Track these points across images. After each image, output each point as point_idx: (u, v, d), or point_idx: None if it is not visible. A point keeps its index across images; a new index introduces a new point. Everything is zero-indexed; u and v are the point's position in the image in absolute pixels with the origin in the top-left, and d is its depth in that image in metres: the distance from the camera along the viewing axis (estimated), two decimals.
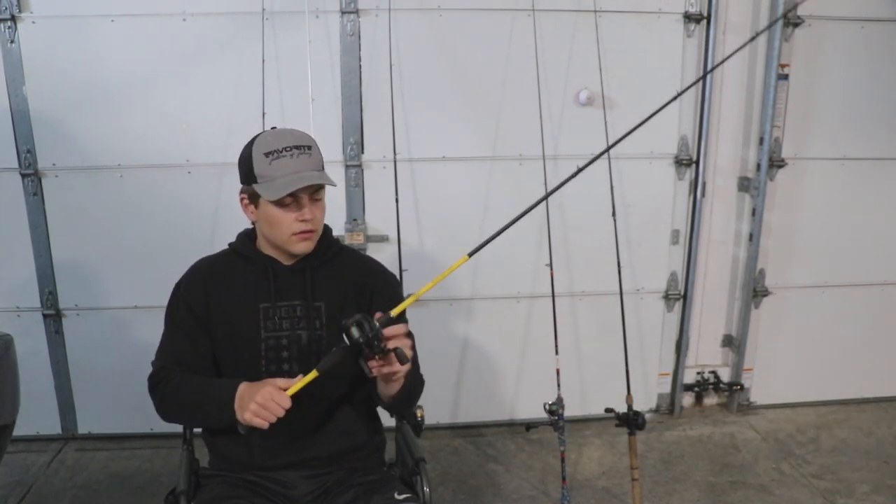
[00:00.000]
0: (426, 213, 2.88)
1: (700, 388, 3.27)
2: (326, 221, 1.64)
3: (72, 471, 2.77)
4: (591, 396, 3.05)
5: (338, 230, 2.82)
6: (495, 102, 2.83)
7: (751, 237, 3.07)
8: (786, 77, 2.92)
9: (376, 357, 1.37)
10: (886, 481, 2.72)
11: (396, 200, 2.61)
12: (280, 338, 1.59)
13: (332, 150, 2.76)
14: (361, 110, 2.78)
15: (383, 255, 2.71)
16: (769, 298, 3.16)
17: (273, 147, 1.51)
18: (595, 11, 2.74)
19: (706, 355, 3.29)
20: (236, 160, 1.57)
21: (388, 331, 1.36)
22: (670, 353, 3.19)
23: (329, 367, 1.39)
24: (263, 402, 1.39)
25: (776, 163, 2.99)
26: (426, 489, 1.61)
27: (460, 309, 2.99)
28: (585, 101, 2.82)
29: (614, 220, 2.58)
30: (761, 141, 2.98)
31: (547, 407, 2.40)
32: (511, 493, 2.65)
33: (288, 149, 1.50)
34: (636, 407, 2.46)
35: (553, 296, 2.55)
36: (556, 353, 2.50)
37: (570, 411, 2.47)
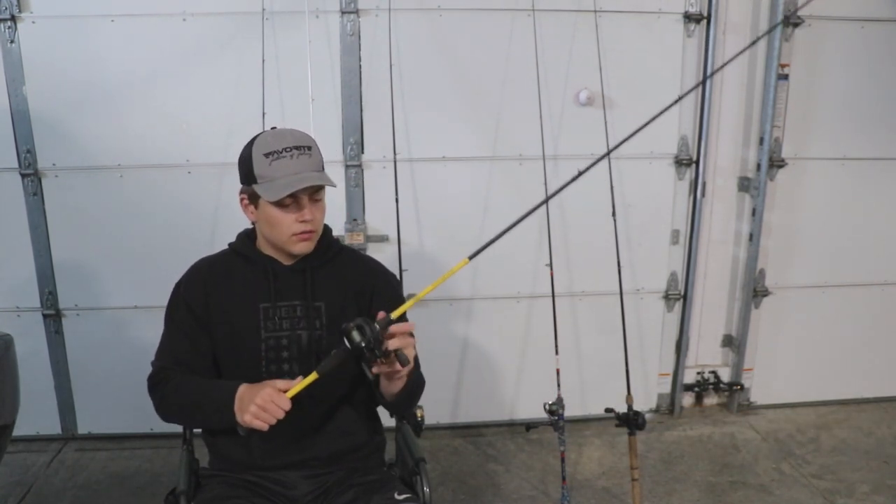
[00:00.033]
0: (426, 213, 2.88)
1: (700, 388, 3.27)
2: (326, 221, 1.64)
3: (72, 471, 2.77)
4: (591, 396, 3.05)
5: (338, 230, 2.82)
6: (495, 102, 2.83)
7: (751, 237, 3.07)
8: (786, 77, 2.92)
9: (379, 360, 1.37)
10: (886, 481, 2.72)
11: (396, 200, 2.61)
12: (280, 338, 1.59)
13: (332, 150, 2.76)
14: (361, 110, 2.78)
15: (383, 255, 2.71)
16: (769, 298, 3.16)
17: (273, 148, 1.51)
18: (595, 11, 2.74)
19: (706, 355, 3.29)
20: (236, 160, 1.57)
21: (393, 327, 1.36)
22: (670, 353, 3.19)
23: (329, 370, 1.39)
24: (263, 404, 1.39)
25: (776, 163, 2.99)
26: (426, 489, 1.61)
27: (460, 309, 2.99)
28: (585, 101, 2.82)
29: (614, 220, 2.58)
30: (761, 141, 2.98)
31: (547, 407, 2.40)
32: (511, 493, 2.65)
33: (288, 149, 1.50)
34: (636, 407, 2.46)
35: (553, 296, 2.55)
36: (556, 353, 2.50)
37: (570, 411, 2.47)
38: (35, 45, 2.61)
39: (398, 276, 2.33)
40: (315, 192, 1.55)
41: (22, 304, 2.86)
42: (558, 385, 2.47)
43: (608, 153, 1.78)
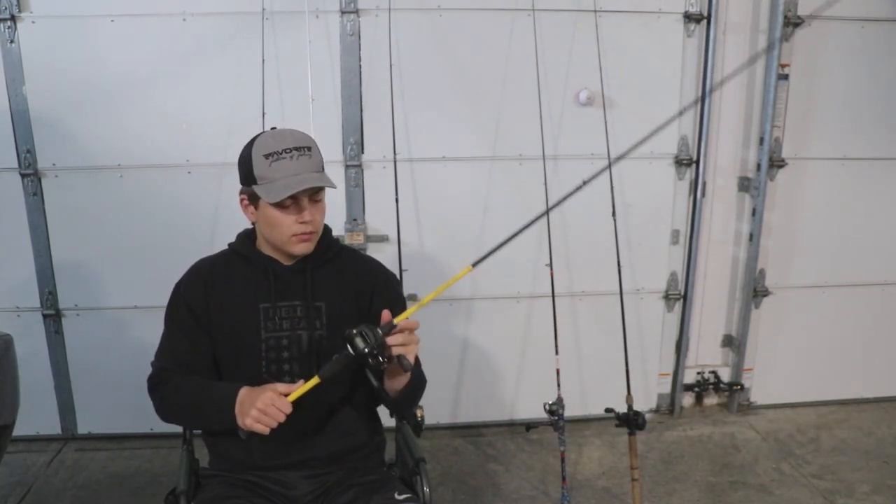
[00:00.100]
0: (426, 213, 2.88)
1: (700, 388, 3.27)
2: (326, 221, 1.64)
3: (72, 471, 2.77)
4: (591, 396, 3.05)
5: (338, 230, 2.82)
6: (495, 102, 2.83)
7: (751, 237, 3.07)
8: (786, 77, 2.92)
9: (382, 366, 1.38)
10: (886, 481, 2.72)
11: (396, 200, 2.61)
12: (280, 338, 1.59)
13: (332, 150, 2.76)
14: (361, 110, 2.78)
15: (383, 255, 2.71)
16: (769, 298, 3.16)
17: (273, 149, 1.50)
18: (595, 11, 2.74)
19: (706, 355, 3.29)
20: (236, 160, 1.57)
21: (391, 339, 1.37)
22: (670, 353, 3.19)
23: (331, 375, 1.40)
24: (264, 407, 1.39)
25: (776, 163, 2.99)
26: (426, 489, 1.61)
27: (460, 309, 2.99)
28: (585, 101, 2.82)
29: (614, 220, 2.58)
30: (761, 141, 2.98)
31: (547, 407, 2.40)
32: (511, 493, 2.65)
33: (288, 150, 1.50)
34: (636, 407, 2.46)
35: (553, 296, 2.55)
36: (556, 353, 2.50)
37: (570, 411, 2.47)
38: (35, 45, 2.61)
39: (398, 276, 2.33)
40: (315, 193, 1.54)
41: (22, 304, 2.86)
42: (558, 385, 2.47)
43: (609, 165, 1.78)
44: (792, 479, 2.74)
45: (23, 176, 2.72)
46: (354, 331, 1.36)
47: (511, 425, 3.12)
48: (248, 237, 1.67)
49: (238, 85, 2.68)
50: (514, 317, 3.03)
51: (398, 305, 1.68)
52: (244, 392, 1.46)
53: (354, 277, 1.66)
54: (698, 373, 3.27)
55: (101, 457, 2.86)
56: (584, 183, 1.64)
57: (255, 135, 1.57)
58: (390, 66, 2.64)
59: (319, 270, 1.63)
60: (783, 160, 2.99)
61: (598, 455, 2.91)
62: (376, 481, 1.62)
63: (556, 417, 2.39)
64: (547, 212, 1.69)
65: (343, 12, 2.68)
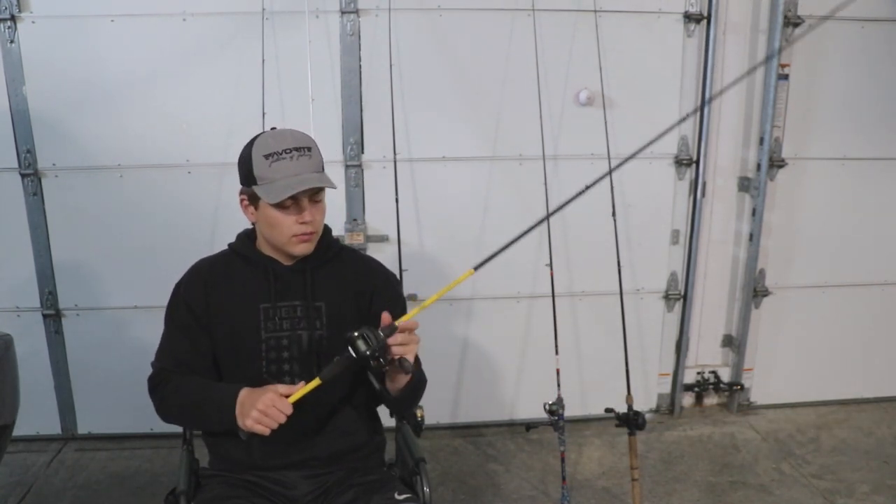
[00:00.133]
0: (426, 213, 2.88)
1: (700, 388, 3.27)
2: (326, 221, 1.64)
3: (72, 471, 2.77)
4: (591, 396, 3.05)
5: (338, 230, 2.82)
6: (495, 102, 2.83)
7: (751, 237, 3.07)
8: (786, 77, 2.92)
9: (383, 368, 1.39)
10: (886, 481, 2.72)
11: (396, 200, 2.61)
12: (281, 338, 1.59)
13: (332, 150, 2.76)
14: (361, 110, 2.78)
15: (383, 255, 2.71)
16: (769, 298, 3.16)
17: (273, 149, 1.50)
18: (595, 11, 2.74)
19: (706, 355, 3.29)
20: (236, 160, 1.57)
21: (392, 339, 1.38)
22: (670, 353, 3.19)
23: (332, 377, 1.40)
24: (265, 408, 1.39)
25: (776, 163, 2.99)
26: (426, 489, 1.61)
27: (460, 309, 2.99)
28: (585, 101, 2.82)
29: (614, 220, 2.58)
30: (761, 141, 2.98)
31: (547, 407, 2.40)
32: (511, 493, 2.65)
33: (288, 151, 1.50)
34: (636, 407, 2.46)
35: (553, 296, 2.55)
36: (556, 353, 2.50)
37: (570, 411, 2.47)
38: (35, 45, 2.61)
39: (398, 276, 2.33)
40: (315, 194, 1.54)
41: (22, 304, 2.86)
42: (558, 385, 2.47)
43: (610, 171, 1.78)
44: (792, 479, 2.74)
45: (23, 176, 2.72)
46: (356, 333, 1.36)
47: (511, 425, 3.12)
48: (247, 237, 1.67)
49: (238, 85, 2.68)
50: (514, 317, 3.03)
51: (398, 305, 1.68)
52: (245, 393, 1.46)
53: (354, 277, 1.66)
54: (698, 373, 3.27)
55: (101, 457, 2.86)
56: (587, 188, 1.64)
57: (255, 135, 1.57)
58: (390, 66, 2.64)
59: (319, 270, 1.63)
60: (783, 160, 2.99)
61: (598, 455, 2.91)
62: (376, 481, 1.62)
63: (556, 417, 2.39)
64: (548, 217, 1.69)
65: (343, 12, 2.68)
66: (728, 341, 3.28)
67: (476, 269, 1.43)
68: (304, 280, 1.61)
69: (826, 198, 3.10)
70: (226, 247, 1.69)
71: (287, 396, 1.42)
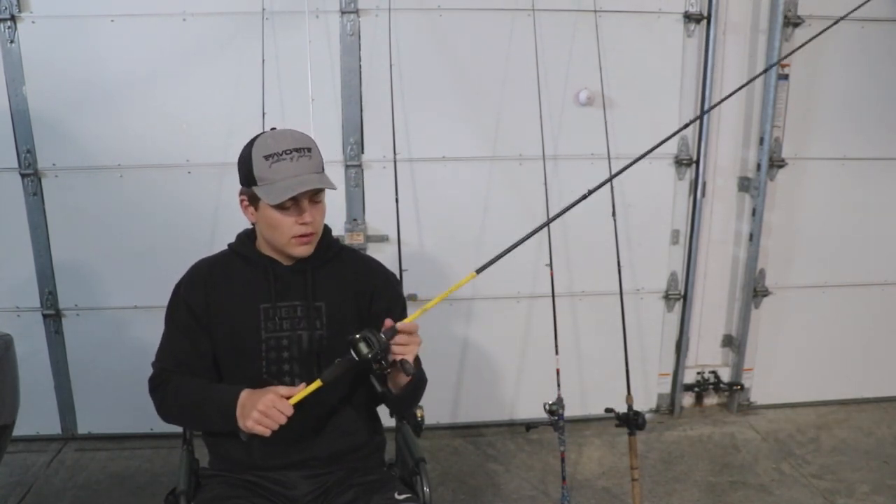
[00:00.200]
0: (426, 213, 2.88)
1: (700, 388, 3.27)
2: (326, 221, 1.64)
3: (72, 471, 2.77)
4: (591, 396, 3.05)
5: (338, 230, 2.82)
6: (495, 102, 2.83)
7: (751, 237, 3.07)
8: (786, 77, 2.92)
9: (385, 370, 1.40)
10: (886, 481, 2.72)
11: (396, 200, 2.61)
12: (281, 338, 1.59)
13: (332, 150, 2.76)
14: (361, 110, 2.77)
15: (383, 255, 2.71)
16: (769, 298, 3.16)
17: (273, 150, 1.50)
18: (595, 11, 2.74)
19: (706, 355, 3.29)
20: (236, 160, 1.57)
21: (399, 325, 1.39)
22: (670, 353, 3.19)
23: (333, 379, 1.40)
24: (266, 409, 1.39)
25: (776, 163, 2.99)
26: (426, 489, 1.61)
27: (460, 309, 2.99)
28: (585, 101, 2.82)
29: (614, 220, 2.57)
30: (761, 141, 2.98)
31: (547, 407, 2.40)
32: (511, 493, 2.65)
33: (288, 151, 1.50)
34: (636, 407, 2.46)
35: (553, 296, 2.55)
36: (556, 353, 2.50)
37: (570, 411, 2.47)
38: (35, 45, 2.61)
39: (398, 276, 2.33)
40: (315, 194, 1.54)
41: (22, 304, 2.86)
42: (558, 385, 2.47)
43: (611, 178, 1.79)
44: (792, 479, 2.74)
45: (23, 176, 2.72)
46: (358, 336, 1.37)
47: (511, 425, 3.12)
48: (247, 237, 1.67)
49: (238, 85, 2.68)
50: (514, 317, 3.03)
51: (398, 306, 1.69)
52: (245, 394, 1.46)
53: (354, 277, 1.66)
54: (698, 373, 3.27)
55: (101, 457, 2.86)
56: (590, 192, 1.65)
57: (255, 135, 1.57)
58: (390, 66, 2.64)
59: (319, 270, 1.63)
60: (783, 160, 2.99)
61: (598, 455, 2.91)
62: (376, 481, 1.62)
63: (556, 417, 2.39)
64: (548, 222, 1.69)
65: (343, 12, 2.68)
66: (728, 341, 3.28)
67: (478, 272, 1.44)
68: (304, 280, 1.61)
69: (826, 198, 3.10)
70: (226, 247, 1.69)
71: (288, 398, 1.42)
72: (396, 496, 1.55)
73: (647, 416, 2.96)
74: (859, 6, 2.20)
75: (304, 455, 1.61)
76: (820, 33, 2.00)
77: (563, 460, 2.41)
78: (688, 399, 3.30)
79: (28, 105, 2.66)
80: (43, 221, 2.77)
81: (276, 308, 1.59)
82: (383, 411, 1.73)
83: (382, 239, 2.85)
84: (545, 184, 2.59)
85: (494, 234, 2.89)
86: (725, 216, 3.13)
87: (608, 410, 2.46)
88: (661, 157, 2.95)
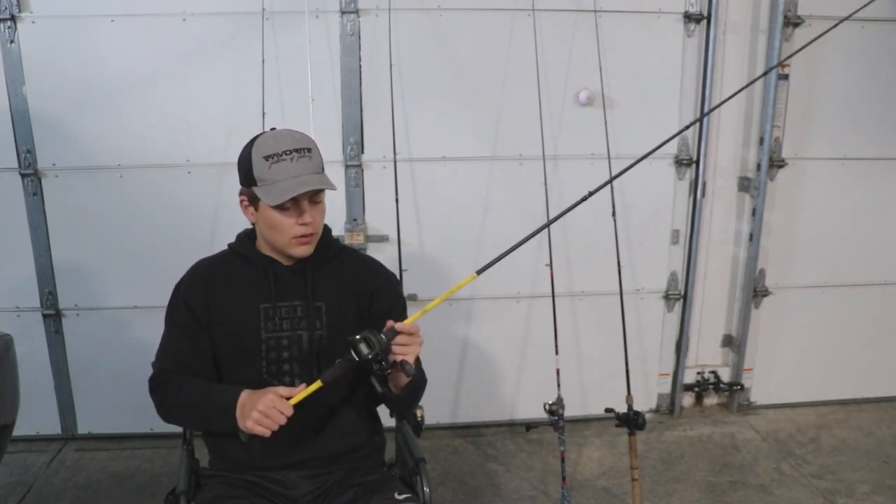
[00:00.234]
0: (426, 213, 2.88)
1: (700, 388, 3.27)
2: (326, 221, 1.64)
3: (72, 471, 2.77)
4: (591, 396, 3.05)
5: (338, 230, 2.82)
6: (495, 102, 2.83)
7: (751, 237, 3.07)
8: (786, 77, 2.92)
9: (385, 371, 1.40)
10: (886, 481, 2.72)
11: (396, 200, 2.61)
12: (281, 338, 1.59)
13: (332, 150, 2.76)
14: (361, 110, 2.77)
15: (383, 255, 2.71)
16: (769, 298, 3.16)
17: (273, 150, 1.50)
18: (595, 11, 2.74)
19: (706, 355, 3.29)
20: (236, 160, 1.57)
21: (399, 326, 1.39)
22: (670, 353, 3.19)
23: (333, 379, 1.40)
24: (265, 410, 1.39)
25: (776, 163, 2.99)
26: (426, 489, 1.61)
27: (460, 309, 2.99)
28: (585, 101, 2.82)
29: (614, 220, 2.57)
30: (761, 141, 2.98)
31: (547, 407, 2.40)
32: (511, 493, 2.65)
33: (288, 152, 1.50)
34: (636, 407, 2.46)
35: (553, 296, 2.55)
36: (556, 353, 2.50)
37: (570, 411, 2.47)
38: (35, 45, 2.61)
39: (398, 276, 2.33)
40: (315, 194, 1.54)
41: (22, 304, 2.86)
42: (558, 385, 2.47)
43: (611, 180, 1.79)
44: (792, 479, 2.74)
45: (23, 176, 2.72)
46: (358, 337, 1.37)
47: (511, 425, 3.12)
48: (247, 237, 1.67)
49: (238, 85, 2.68)
50: (514, 317, 3.03)
51: (398, 306, 1.69)
52: (245, 395, 1.46)
53: (354, 277, 1.66)
54: (698, 373, 3.27)
55: (101, 457, 2.86)
56: (590, 194, 1.65)
57: (255, 135, 1.57)
58: (390, 66, 2.64)
59: (319, 271, 1.63)
60: (783, 160, 2.99)
61: (598, 455, 2.91)
62: (376, 481, 1.62)
63: (556, 417, 2.39)
64: (548, 224, 1.69)
65: (343, 12, 2.68)
66: (728, 341, 3.28)
67: (479, 273, 1.44)
68: (304, 280, 1.61)
69: (826, 198, 3.10)
70: (226, 247, 1.69)
71: (288, 398, 1.42)
72: (396, 496, 1.55)
73: (647, 416, 2.96)
74: (863, 6, 2.20)
75: (304, 455, 1.61)
76: (822, 34, 2.00)
77: (563, 460, 2.41)
78: (688, 399, 3.30)
79: (28, 105, 2.66)
80: (43, 221, 2.77)
81: (276, 308, 1.59)
82: (383, 411, 1.73)
83: (382, 239, 2.85)
84: (545, 184, 2.59)
85: (494, 234, 2.89)
86: (725, 216, 3.13)
87: (608, 410, 2.46)
88: (662, 157, 2.95)
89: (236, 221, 1.71)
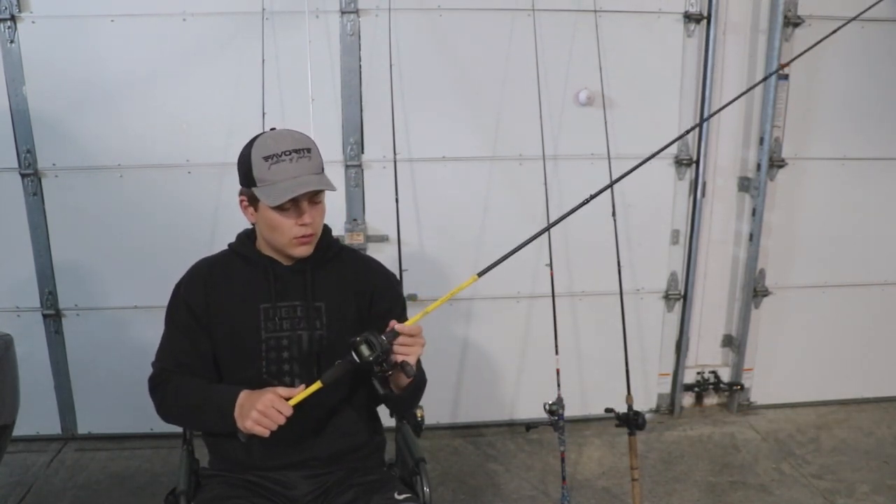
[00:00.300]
0: (426, 213, 2.88)
1: (700, 388, 3.27)
2: (326, 221, 1.64)
3: (72, 471, 2.77)
4: (591, 396, 3.05)
5: (338, 230, 2.82)
6: (495, 102, 2.83)
7: (751, 237, 3.07)
8: (786, 77, 2.92)
9: (386, 373, 1.40)
10: (886, 481, 2.72)
11: (396, 200, 2.61)
12: (281, 338, 1.59)
13: (332, 150, 2.76)
14: (361, 110, 2.77)
15: (383, 255, 2.71)
16: (769, 298, 3.16)
17: (272, 151, 1.50)
18: (595, 11, 2.74)
19: (706, 355, 3.29)
20: (236, 160, 1.57)
21: (400, 327, 1.39)
22: (670, 353, 3.19)
23: (333, 380, 1.40)
24: (265, 409, 1.39)
25: (776, 163, 2.99)
26: (426, 489, 1.61)
27: (460, 309, 2.99)
28: (585, 101, 2.82)
29: (614, 220, 2.57)
30: (761, 141, 2.98)
31: (547, 407, 2.40)
32: (511, 493, 2.65)
33: (287, 153, 1.50)
34: (636, 407, 2.46)
35: (553, 296, 2.55)
36: (556, 353, 2.50)
37: (570, 411, 2.47)
38: (35, 45, 2.61)
39: (398, 276, 2.33)
40: (315, 195, 1.54)
41: (22, 304, 2.86)
42: (558, 385, 2.47)
43: (612, 184, 1.79)
44: (792, 479, 2.74)
45: (23, 176, 2.72)
46: (359, 338, 1.37)
47: (511, 425, 3.12)
48: (247, 237, 1.67)
49: (238, 85, 2.68)
50: (514, 317, 3.03)
51: (398, 306, 1.69)
52: (244, 395, 1.46)
53: (354, 277, 1.66)
54: (698, 373, 3.27)
55: (101, 457, 2.86)
56: (592, 197, 1.65)
57: (254, 135, 1.57)
58: (390, 66, 2.64)
59: (319, 270, 1.63)
60: (783, 160, 2.99)
61: (598, 455, 2.91)
62: (376, 481, 1.62)
63: (556, 417, 2.39)
64: (549, 227, 1.69)
65: (343, 12, 2.68)
66: (728, 341, 3.28)
67: (480, 275, 1.44)
68: (304, 280, 1.61)
69: (826, 198, 3.10)
70: (226, 247, 1.69)
71: (287, 399, 1.42)
72: (396, 496, 1.55)
73: (647, 416, 2.96)
74: (870, 7, 2.19)
75: (304, 455, 1.61)
76: (827, 36, 2.00)
77: (563, 460, 2.41)
78: (688, 399, 3.30)
79: (28, 105, 2.66)
80: (43, 221, 2.77)
81: (276, 308, 1.59)
82: (383, 411, 1.73)
83: (382, 239, 2.85)
84: (545, 184, 2.59)
85: (494, 234, 2.89)
86: (725, 216, 3.13)
87: (608, 410, 2.46)
88: (662, 157, 2.91)
89: (236, 221, 1.71)
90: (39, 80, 2.64)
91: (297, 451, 1.60)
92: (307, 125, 2.43)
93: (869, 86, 3.00)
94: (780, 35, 2.83)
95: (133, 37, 2.64)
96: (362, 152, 2.81)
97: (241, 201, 1.59)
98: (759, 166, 2.99)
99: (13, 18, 2.57)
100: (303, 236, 1.54)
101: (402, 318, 1.49)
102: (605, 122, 2.72)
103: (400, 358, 1.40)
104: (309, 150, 1.53)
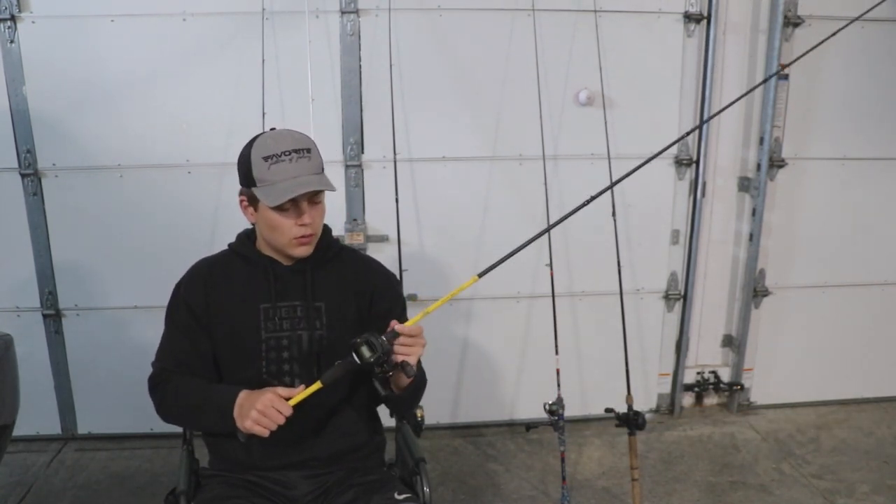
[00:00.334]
0: (426, 213, 2.88)
1: (700, 388, 3.27)
2: (326, 221, 1.64)
3: (72, 471, 2.77)
4: (591, 396, 3.05)
5: (338, 230, 2.82)
6: (495, 102, 2.83)
7: (751, 237, 3.07)
8: (786, 77, 2.92)
9: (387, 374, 1.41)
10: (886, 481, 2.72)
11: (396, 200, 2.61)
12: (281, 338, 1.59)
13: (332, 150, 2.76)
14: (361, 110, 2.77)
15: (383, 255, 2.71)
16: (769, 298, 3.16)
17: (272, 151, 1.50)
18: (595, 11, 2.74)
19: (706, 355, 3.29)
20: (236, 160, 1.57)
21: (401, 328, 1.39)
22: (670, 353, 3.19)
23: (333, 380, 1.40)
24: (264, 409, 1.39)
25: (776, 163, 2.99)
26: (426, 489, 1.61)
27: (460, 309, 2.99)
28: (585, 101, 2.82)
29: (614, 220, 2.57)
30: (761, 141, 2.98)
31: (547, 407, 2.40)
32: (511, 493, 2.65)
33: (287, 153, 1.50)
34: (636, 407, 2.46)
35: (553, 296, 2.55)
36: (556, 353, 2.50)
37: (570, 411, 2.47)
38: (35, 45, 2.61)
39: (398, 276, 2.33)
40: (314, 195, 1.54)
41: (22, 304, 2.86)
42: (558, 385, 2.47)
43: (612, 185, 1.79)
44: (792, 479, 2.74)
45: (23, 176, 2.72)
46: (360, 339, 1.37)
47: (511, 425, 3.12)
48: (247, 237, 1.67)
49: (238, 85, 2.68)
50: (514, 317, 3.03)
51: (398, 306, 1.69)
52: (243, 395, 1.46)
53: (354, 277, 1.66)
54: (698, 373, 3.27)
55: (101, 457, 2.86)
56: (592, 198, 1.65)
57: (254, 135, 1.57)
58: (390, 66, 2.64)
59: (319, 270, 1.63)
60: (783, 160, 2.99)
61: (598, 455, 2.91)
62: (376, 481, 1.62)
63: (556, 417, 2.39)
64: (549, 228, 1.70)
65: (343, 12, 2.68)
66: (728, 341, 3.28)
67: (480, 275, 1.44)
68: (304, 280, 1.61)
69: (826, 198, 3.10)
70: (226, 247, 1.69)
71: (287, 399, 1.42)
72: (396, 496, 1.55)
73: (647, 416, 2.96)
74: (872, 7, 2.19)
75: (304, 455, 1.61)
76: (830, 36, 1.99)
77: (563, 460, 2.41)
78: (688, 399, 3.30)
79: (28, 105, 2.66)
80: (43, 221, 2.77)
81: (276, 308, 1.59)
82: (383, 411, 1.73)
83: (382, 239, 2.85)
84: (545, 184, 2.59)
85: (494, 234, 2.89)
86: (725, 216, 3.13)
87: (608, 410, 2.46)
88: (662, 157, 2.92)
89: (236, 221, 1.71)
90: (39, 80, 2.64)
91: (297, 451, 1.60)
92: (307, 125, 2.43)
93: (869, 86, 3.00)
94: (780, 35, 2.83)
95: (133, 37, 2.64)
96: (362, 152, 2.81)
97: (241, 201, 1.59)
98: (759, 166, 2.99)
99: (13, 18, 2.57)
100: (302, 236, 1.54)
101: (403, 318, 1.49)
102: (605, 122, 2.72)
103: (400, 358, 1.40)
104: (309, 151, 1.53)
